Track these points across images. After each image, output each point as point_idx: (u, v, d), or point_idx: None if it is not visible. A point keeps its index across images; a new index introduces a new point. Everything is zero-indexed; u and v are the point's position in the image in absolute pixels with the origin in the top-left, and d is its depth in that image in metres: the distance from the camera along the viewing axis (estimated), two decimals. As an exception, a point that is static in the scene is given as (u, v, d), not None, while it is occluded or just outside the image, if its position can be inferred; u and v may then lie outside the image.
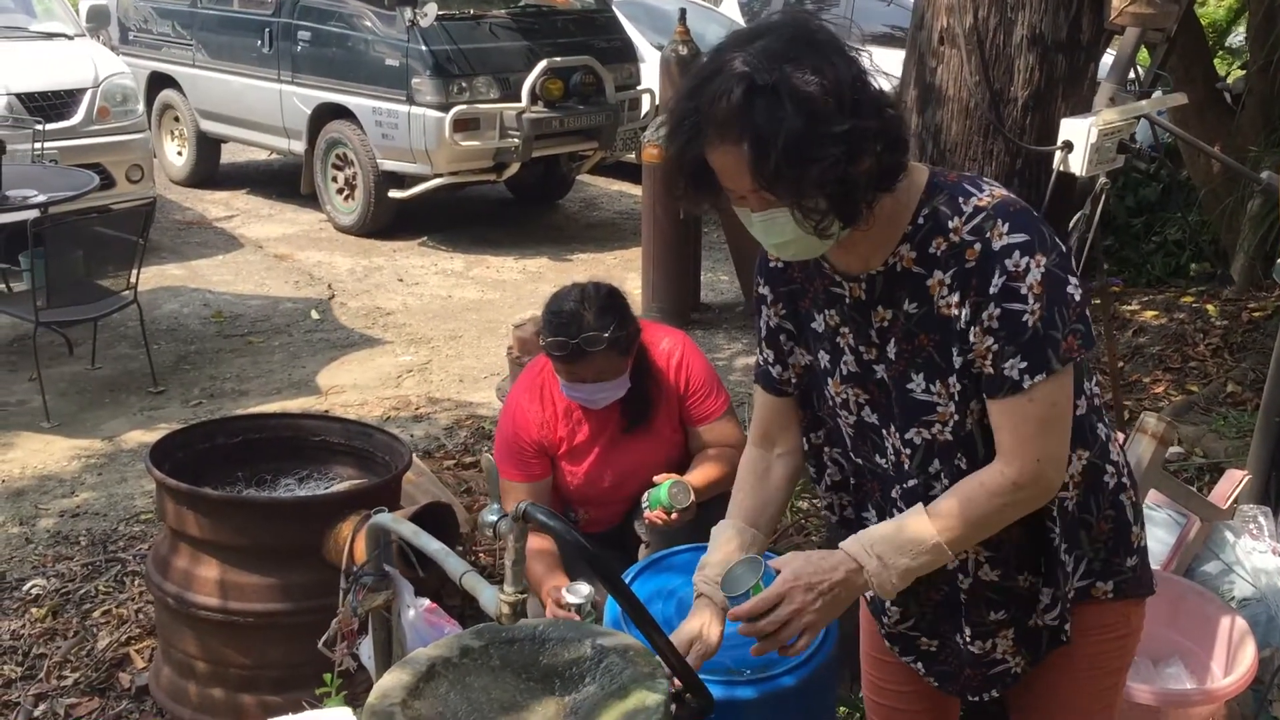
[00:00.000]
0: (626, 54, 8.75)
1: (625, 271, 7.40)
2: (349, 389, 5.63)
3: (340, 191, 8.36)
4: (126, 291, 5.40)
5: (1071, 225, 2.93)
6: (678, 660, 1.80)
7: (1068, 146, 2.68)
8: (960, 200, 1.66)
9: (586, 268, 7.69)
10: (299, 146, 8.52)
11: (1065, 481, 1.74)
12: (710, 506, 2.80)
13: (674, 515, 2.88)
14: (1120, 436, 2.10)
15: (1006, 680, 1.88)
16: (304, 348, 6.19)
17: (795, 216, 1.60)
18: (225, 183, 9.69)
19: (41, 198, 5.54)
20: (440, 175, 7.82)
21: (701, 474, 2.99)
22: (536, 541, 2.89)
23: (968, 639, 1.85)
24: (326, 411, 5.22)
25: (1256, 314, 5.81)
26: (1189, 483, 3.63)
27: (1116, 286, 6.41)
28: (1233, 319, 5.80)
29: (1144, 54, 3.42)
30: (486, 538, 2.72)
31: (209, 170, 9.64)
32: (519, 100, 7.74)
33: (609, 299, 2.92)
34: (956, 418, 1.70)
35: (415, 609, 2.49)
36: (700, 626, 1.88)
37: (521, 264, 7.83)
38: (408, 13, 7.64)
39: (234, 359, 6.00)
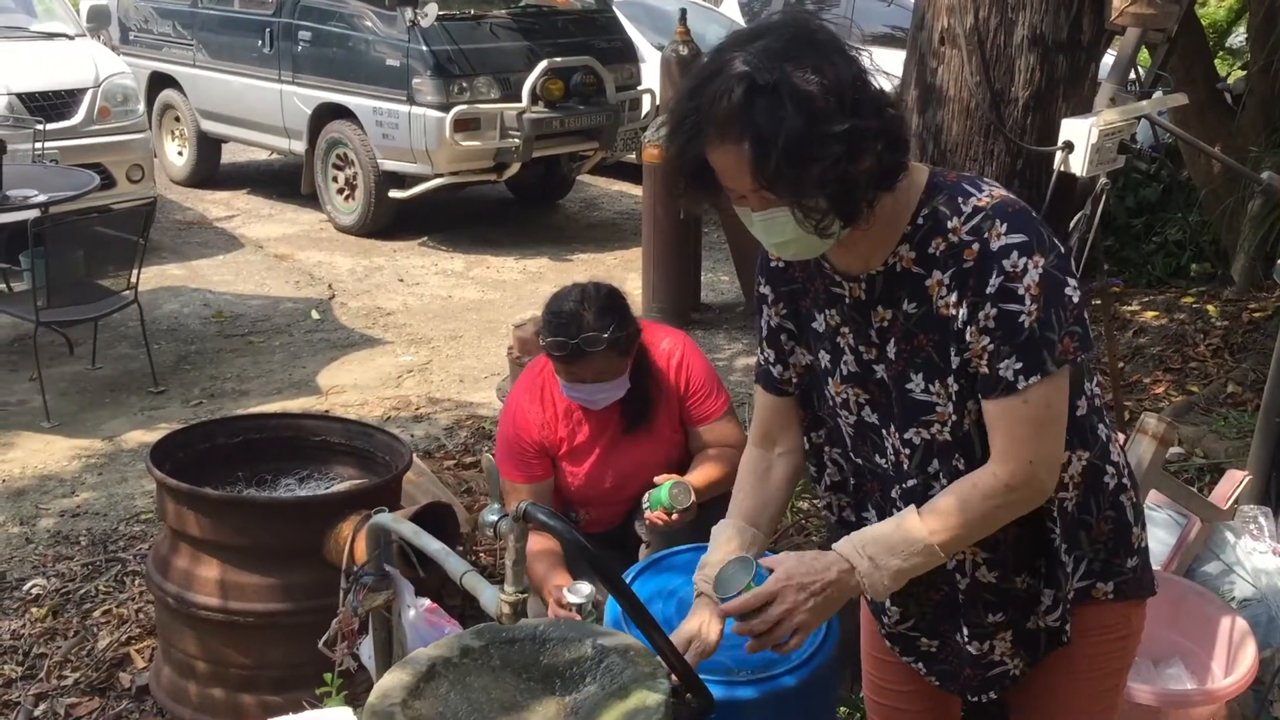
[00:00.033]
0: (627, 54, 8.75)
1: (625, 272, 7.40)
2: (349, 389, 5.63)
3: (341, 191, 8.36)
4: (127, 291, 5.40)
5: (1072, 225, 2.93)
6: (678, 660, 1.80)
7: (1068, 147, 2.68)
8: (960, 200, 1.66)
9: (587, 268, 7.69)
10: (299, 146, 8.53)
11: (1065, 482, 1.74)
12: (711, 507, 2.80)
13: (674, 516, 2.88)
14: (1121, 437, 2.10)
15: (1005, 682, 1.88)
16: (304, 348, 6.20)
17: (796, 216, 1.60)
18: (226, 183, 9.69)
19: (42, 197, 5.54)
20: (441, 175, 7.82)
21: (702, 474, 2.99)
22: (539, 541, 2.89)
23: (966, 639, 1.85)
24: (327, 411, 5.22)
25: (1257, 314, 5.81)
26: (1189, 483, 3.63)
27: (1117, 287, 6.40)
28: (1233, 319, 5.80)
29: (1144, 54, 3.43)
30: (487, 538, 2.72)
31: (209, 170, 9.65)
32: (519, 100, 7.74)
33: (609, 299, 2.92)
34: (954, 418, 1.70)
35: (416, 609, 2.49)
36: (699, 625, 1.89)
37: (522, 264, 7.83)
38: (408, 13, 7.64)
39: (234, 359, 6.00)
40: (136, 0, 9.60)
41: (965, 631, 1.84)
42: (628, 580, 2.45)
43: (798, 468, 1.99)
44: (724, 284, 7.30)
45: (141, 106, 7.81)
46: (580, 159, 8.76)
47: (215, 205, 9.09)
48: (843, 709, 2.93)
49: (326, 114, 8.25)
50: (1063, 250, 1.65)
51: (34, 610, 3.65)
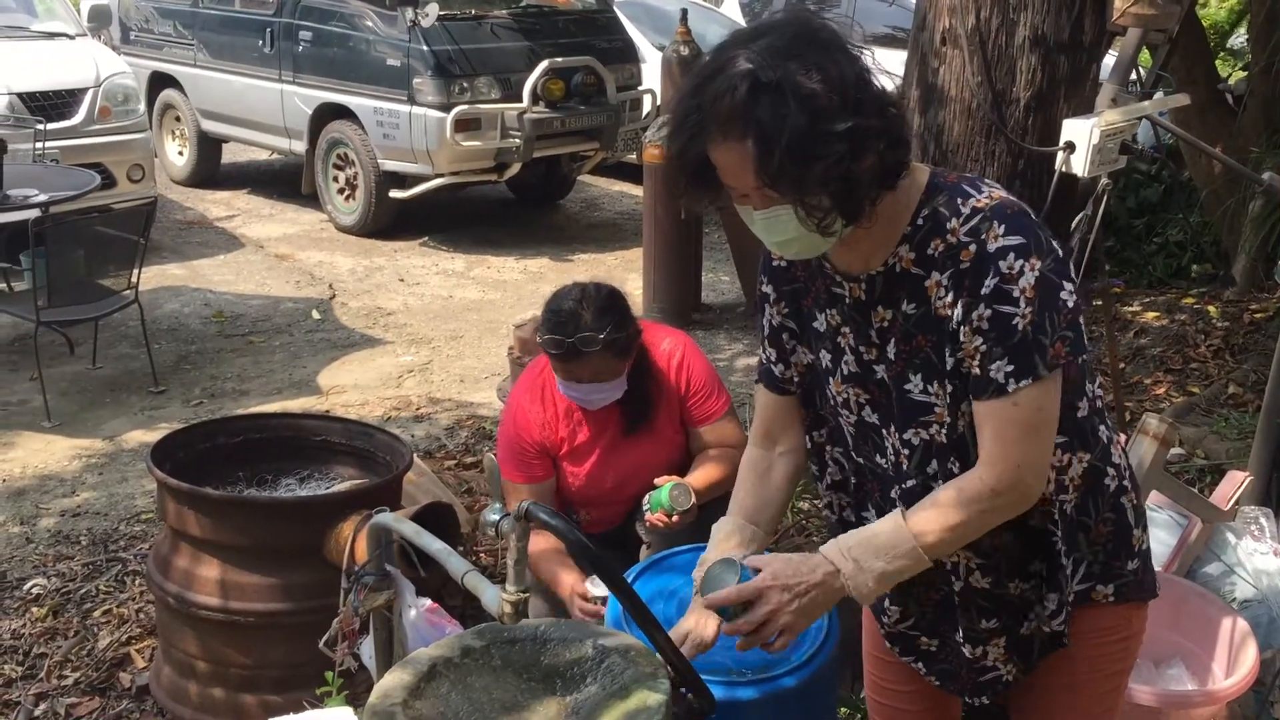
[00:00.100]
0: (628, 54, 8.75)
1: (626, 272, 7.40)
2: (350, 389, 5.63)
3: (341, 191, 8.36)
4: (127, 291, 5.40)
5: (1073, 226, 2.93)
6: (680, 660, 1.80)
7: (1070, 147, 2.68)
8: (959, 201, 1.66)
9: (587, 268, 7.69)
10: (300, 146, 8.53)
11: (1065, 484, 1.74)
12: (711, 508, 2.80)
13: (675, 518, 2.88)
14: (1122, 438, 2.10)
15: (998, 687, 1.88)
16: (305, 348, 6.20)
17: (798, 214, 1.60)
18: (226, 182, 9.69)
19: (43, 197, 5.54)
20: (441, 175, 7.82)
21: (703, 475, 2.99)
22: (544, 541, 2.89)
23: (961, 640, 1.85)
24: (327, 411, 5.22)
25: (1258, 315, 5.81)
26: (1190, 484, 3.63)
27: (1118, 288, 6.41)
28: (1234, 320, 5.79)
29: (1145, 55, 3.42)
30: (488, 537, 2.72)
31: (210, 170, 9.65)
32: (520, 100, 7.74)
33: (609, 300, 2.91)
34: (949, 419, 1.70)
35: (416, 609, 2.49)
36: (696, 621, 1.89)
37: (523, 264, 7.83)
38: (409, 13, 7.64)
39: (235, 359, 6.00)
40: (137, 0, 9.61)
41: (960, 633, 1.84)
42: (629, 580, 2.45)
43: (799, 467, 1.99)
44: (725, 284, 7.30)
45: (142, 106, 7.81)
46: (581, 159, 8.76)
47: (216, 205, 9.09)
48: (843, 709, 2.93)
49: (327, 114, 8.26)
50: (1061, 254, 1.64)
51: (34, 610, 3.65)
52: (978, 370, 1.64)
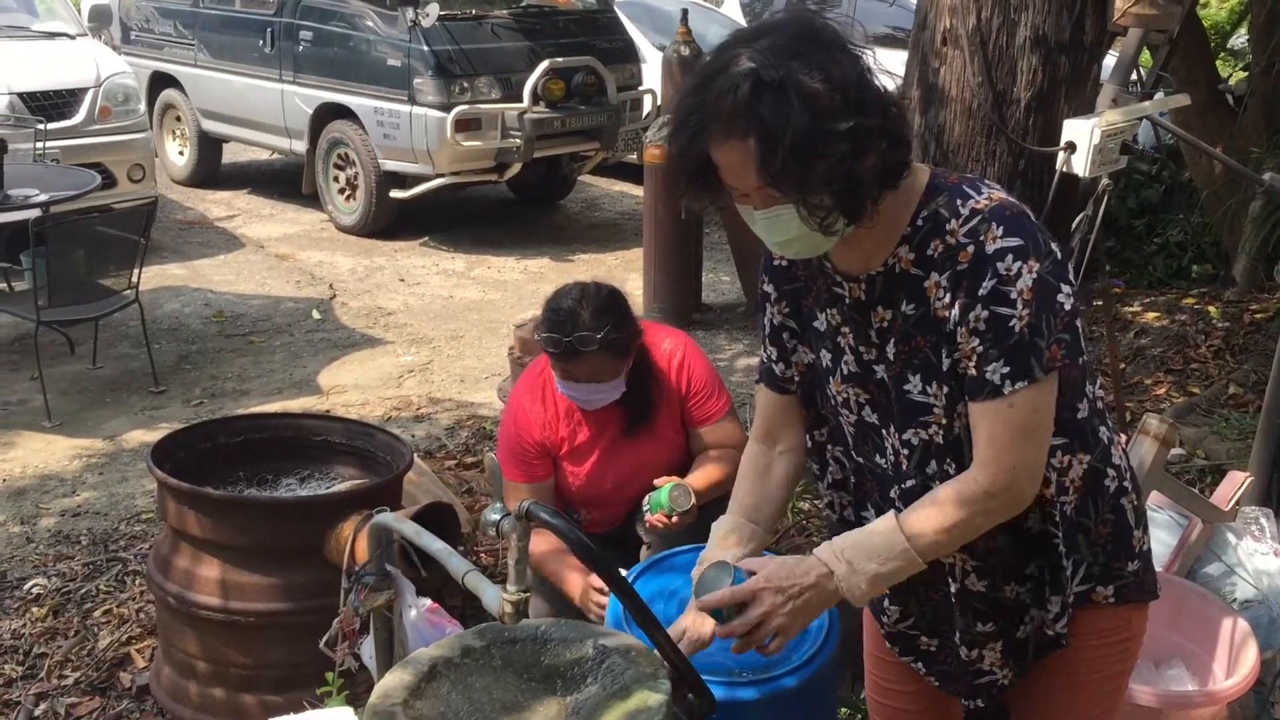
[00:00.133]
0: (628, 54, 8.75)
1: (627, 272, 7.40)
2: (350, 389, 5.63)
3: (342, 191, 8.36)
4: (128, 291, 5.40)
5: (1074, 226, 2.93)
6: (680, 660, 1.80)
7: (1071, 147, 2.68)
8: (958, 203, 1.66)
9: (588, 268, 7.69)
10: (300, 146, 8.53)
11: (1066, 486, 1.74)
12: (712, 508, 2.79)
13: (674, 519, 2.88)
14: (1122, 438, 2.09)
15: (993, 691, 1.88)
16: (305, 348, 6.20)
17: (800, 213, 1.60)
18: (227, 182, 9.69)
19: (43, 197, 5.54)
20: (442, 175, 7.82)
21: (703, 476, 2.99)
22: (547, 541, 2.89)
23: (957, 642, 1.85)
24: (328, 411, 5.22)
25: (1258, 316, 5.81)
26: (1191, 484, 3.63)
27: (1118, 288, 6.41)
28: (1234, 321, 5.79)
29: (1146, 55, 3.42)
30: (489, 537, 2.72)
31: (210, 170, 9.65)
32: (521, 100, 7.74)
33: (609, 301, 2.91)
34: (944, 421, 1.70)
35: (417, 609, 2.48)
36: (694, 619, 1.90)
37: (523, 264, 7.83)
38: (410, 13, 7.64)
39: (235, 359, 6.00)
40: (138, 0, 9.61)
41: (957, 635, 1.84)
42: (629, 580, 2.45)
43: (799, 466, 1.99)
44: (725, 284, 7.30)
45: (143, 106, 7.81)
46: (581, 159, 8.76)
47: (216, 205, 9.09)
48: (844, 709, 2.93)
49: (328, 114, 8.26)
50: (1059, 257, 1.64)
51: (34, 610, 3.65)
52: (974, 371, 1.64)
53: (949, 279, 1.64)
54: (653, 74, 8.37)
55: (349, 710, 2.13)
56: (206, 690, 3.07)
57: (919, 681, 1.99)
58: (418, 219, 8.38)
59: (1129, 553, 1.81)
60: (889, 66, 1.72)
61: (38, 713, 3.21)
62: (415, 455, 3.52)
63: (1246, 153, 5.81)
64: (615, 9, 9.19)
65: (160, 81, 9.48)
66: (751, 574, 1.75)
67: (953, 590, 1.80)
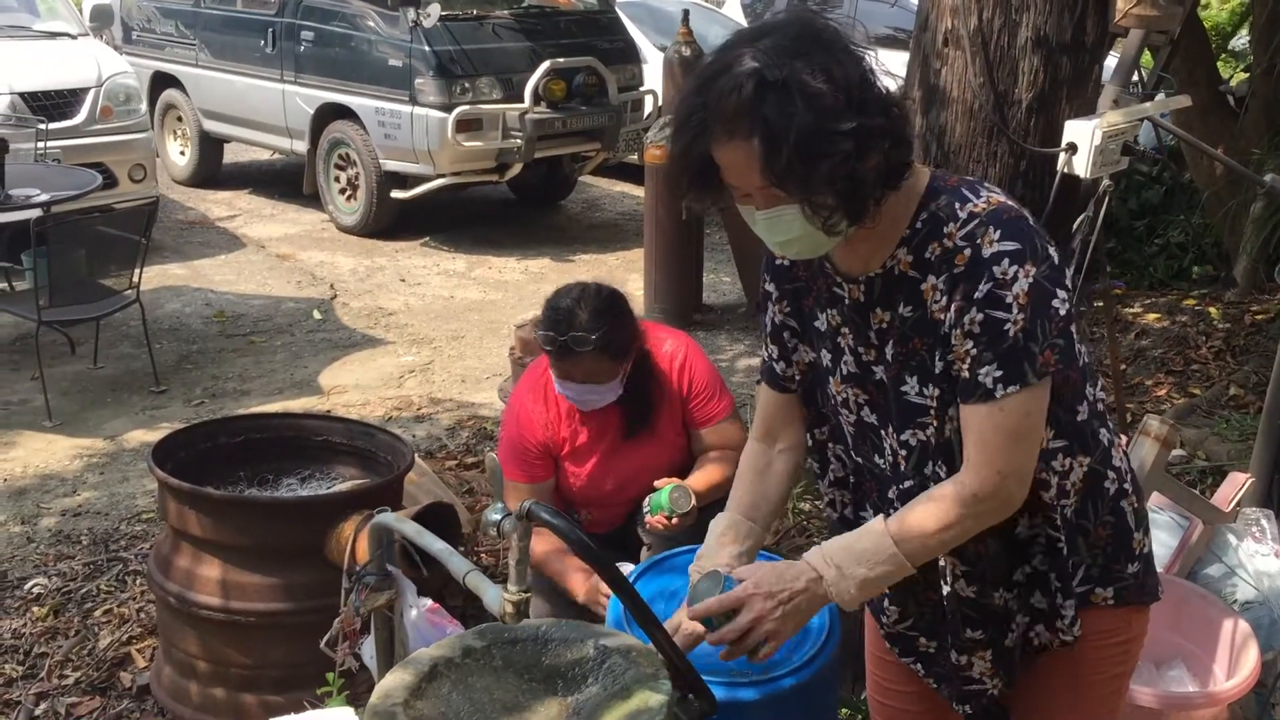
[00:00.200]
0: (629, 55, 8.75)
1: (627, 272, 7.40)
2: (351, 389, 5.63)
3: (343, 192, 8.36)
4: (129, 291, 5.40)
5: (1074, 227, 2.92)
6: (681, 661, 1.80)
7: (1072, 148, 2.68)
8: (957, 205, 1.66)
9: (589, 268, 7.69)
10: (301, 146, 8.53)
11: (1065, 488, 1.73)
12: (712, 509, 2.79)
13: (675, 520, 2.88)
14: (1123, 439, 2.09)
15: (982, 699, 1.88)
16: (306, 348, 6.20)
17: (805, 213, 1.59)
18: (228, 182, 9.70)
19: (44, 197, 5.54)
20: (443, 176, 7.82)
21: (704, 477, 2.99)
22: (548, 541, 2.89)
23: (949, 645, 1.85)
24: (328, 411, 5.22)
25: (1259, 317, 5.81)
26: (1191, 485, 3.63)
27: (1119, 289, 6.41)
28: (1235, 322, 5.80)
29: (1147, 57, 3.42)
30: (489, 537, 2.72)
31: (211, 170, 9.65)
32: (522, 101, 7.74)
33: (608, 302, 2.90)
34: (935, 424, 1.70)
35: (418, 609, 2.49)
36: (687, 615, 1.89)
37: (524, 265, 7.83)
38: (411, 13, 7.64)
39: (236, 359, 6.00)
40: (139, 0, 9.61)
41: (949, 639, 1.84)
42: (630, 580, 2.45)
43: (798, 464, 1.99)
44: (726, 285, 7.30)
45: (144, 106, 7.81)
46: (582, 160, 8.76)
47: (217, 205, 9.09)
48: (844, 710, 2.93)
49: (329, 114, 8.26)
50: (1056, 261, 1.63)
51: (35, 609, 3.65)
52: (966, 374, 1.64)
53: (946, 282, 1.64)
54: (654, 74, 8.37)
55: (350, 710, 2.13)
56: (207, 690, 3.07)
57: (920, 682, 1.98)
58: (419, 219, 8.38)
59: (1129, 555, 1.81)
60: (890, 67, 1.72)
61: (38, 712, 3.21)
62: (416, 455, 3.52)
63: (1247, 154, 5.81)
64: (616, 9, 9.19)
65: (161, 81, 9.49)
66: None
67: (945, 593, 1.80)
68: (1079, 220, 2.93)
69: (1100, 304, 3.42)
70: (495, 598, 1.77)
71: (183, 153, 9.62)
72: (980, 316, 1.61)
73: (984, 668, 1.84)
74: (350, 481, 3.30)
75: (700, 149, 1.60)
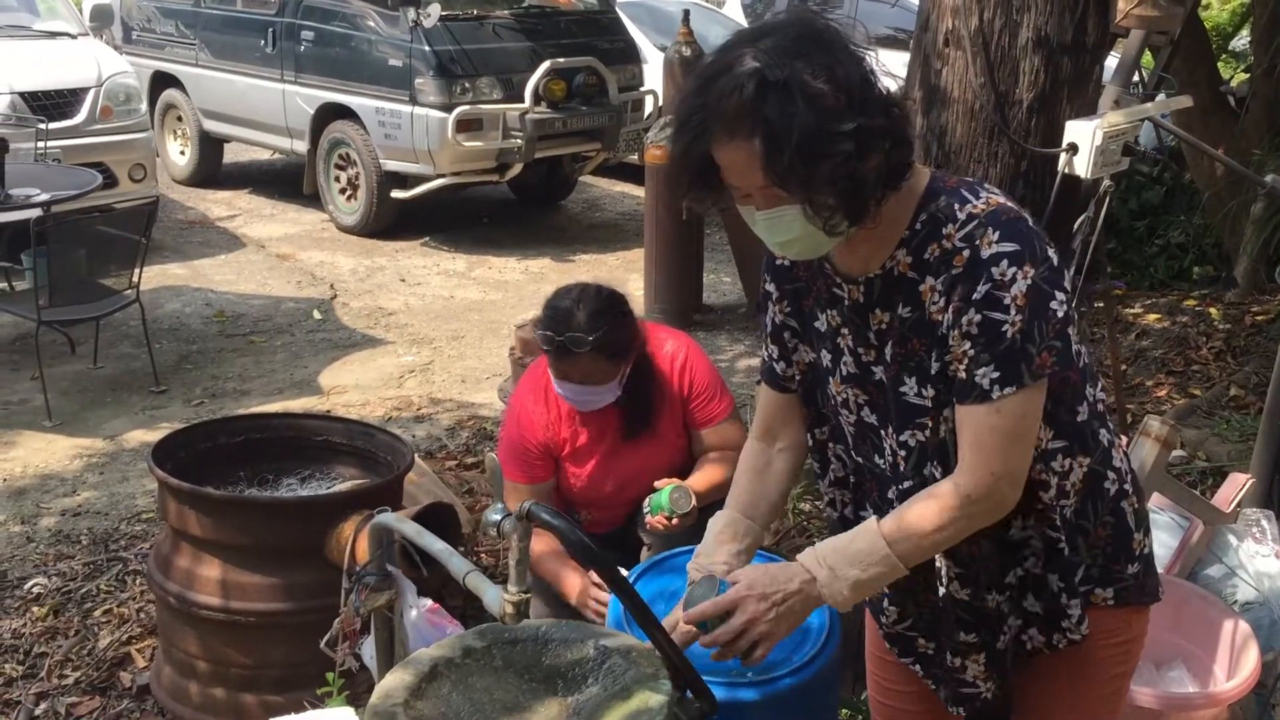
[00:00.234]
0: (629, 55, 8.75)
1: (628, 273, 7.40)
2: (351, 389, 5.63)
3: (343, 191, 8.36)
4: (129, 291, 5.40)
5: (1075, 228, 2.92)
6: (681, 661, 1.80)
7: (1073, 149, 2.68)
8: (956, 207, 1.66)
9: (589, 269, 7.70)
10: (302, 146, 8.53)
11: (1065, 489, 1.73)
12: (712, 510, 2.78)
13: (675, 521, 2.87)
14: (1124, 440, 2.09)
15: (976, 703, 1.88)
16: (306, 348, 6.20)
17: (805, 213, 1.59)
18: (228, 182, 9.70)
19: (44, 196, 5.54)
20: (443, 176, 7.82)
21: (704, 477, 2.99)
22: (545, 542, 2.89)
23: (944, 646, 1.85)
24: (328, 411, 5.22)
25: (1259, 317, 5.81)
26: (1192, 486, 3.63)
27: (1119, 290, 6.41)
28: (1236, 322, 5.80)
29: (1148, 57, 3.42)
30: (489, 538, 2.73)
31: (211, 170, 9.65)
32: (522, 101, 7.74)
33: (607, 303, 2.89)
34: (931, 425, 1.70)
35: (418, 609, 2.48)
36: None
37: (524, 265, 7.83)
38: (411, 13, 7.64)
39: (236, 358, 6.00)
40: (139, 0, 9.61)
41: (944, 640, 1.84)
42: (630, 581, 2.44)
43: (797, 463, 1.99)
44: (726, 285, 7.30)
45: (144, 106, 7.81)
46: (582, 160, 8.77)
47: (217, 205, 9.09)
48: (844, 710, 2.92)
49: (329, 114, 8.26)
50: (1055, 263, 1.63)
51: (35, 609, 3.65)
52: (963, 374, 1.63)
53: (944, 283, 1.64)
54: (654, 75, 8.37)
55: (350, 710, 2.13)
56: (207, 690, 3.07)
57: (920, 683, 1.98)
58: (419, 219, 8.38)
59: (1129, 555, 1.81)
60: (891, 67, 1.72)
61: (38, 712, 3.21)
62: (416, 455, 3.52)
63: (1248, 154, 5.81)
64: (617, 9, 9.19)
65: (161, 81, 9.49)
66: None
67: (940, 594, 1.80)
68: (1079, 221, 2.93)
69: (1101, 304, 3.42)
70: (495, 598, 1.77)
71: (183, 152, 9.62)
72: (978, 318, 1.61)
73: (977, 671, 1.84)
74: (350, 481, 3.29)
75: (701, 149, 1.60)
